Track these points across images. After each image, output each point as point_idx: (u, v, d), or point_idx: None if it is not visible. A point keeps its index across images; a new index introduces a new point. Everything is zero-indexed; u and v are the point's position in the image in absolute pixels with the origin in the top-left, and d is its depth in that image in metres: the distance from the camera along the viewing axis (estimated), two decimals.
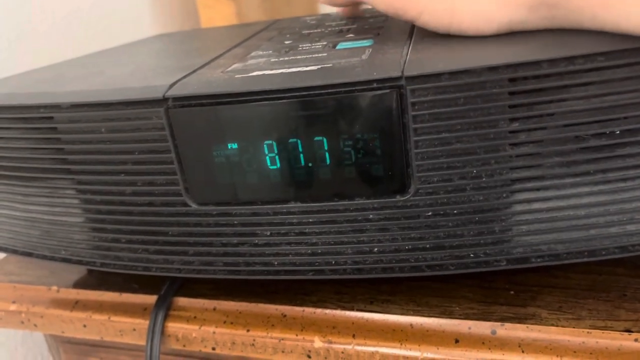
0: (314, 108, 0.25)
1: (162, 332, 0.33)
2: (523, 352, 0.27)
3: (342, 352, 0.29)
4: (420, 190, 0.25)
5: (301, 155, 0.26)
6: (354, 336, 0.29)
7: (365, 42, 0.30)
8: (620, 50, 0.22)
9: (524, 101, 0.24)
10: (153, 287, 0.35)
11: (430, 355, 0.28)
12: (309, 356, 0.30)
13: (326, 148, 0.26)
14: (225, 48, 0.35)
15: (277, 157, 0.26)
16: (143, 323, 0.34)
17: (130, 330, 0.34)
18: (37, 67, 0.41)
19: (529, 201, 0.25)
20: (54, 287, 0.37)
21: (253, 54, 0.32)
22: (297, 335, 0.30)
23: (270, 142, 0.26)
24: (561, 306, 0.28)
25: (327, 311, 0.31)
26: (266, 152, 0.26)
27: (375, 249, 0.27)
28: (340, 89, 0.24)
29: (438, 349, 0.28)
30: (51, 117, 0.29)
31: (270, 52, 0.31)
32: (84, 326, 0.36)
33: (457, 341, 0.28)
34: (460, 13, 0.26)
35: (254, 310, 0.32)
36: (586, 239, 0.26)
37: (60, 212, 0.32)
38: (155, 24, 0.75)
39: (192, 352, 0.36)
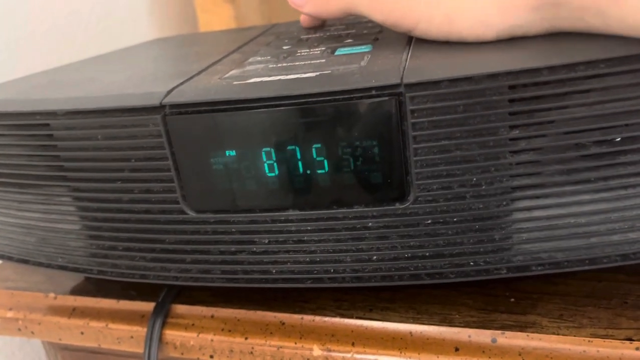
0: (312, 115, 0.25)
1: (160, 340, 0.33)
2: None
3: None
4: (419, 198, 0.25)
5: (299, 162, 0.26)
6: (353, 344, 0.29)
7: (364, 48, 0.29)
8: (622, 56, 0.22)
9: (524, 108, 0.23)
10: (151, 294, 0.35)
11: None
12: None
13: (325, 155, 0.25)
14: (223, 53, 0.35)
15: (275, 164, 0.26)
16: (141, 330, 0.34)
17: (128, 337, 0.34)
18: (35, 68, 0.41)
19: (529, 209, 0.25)
20: (51, 294, 0.37)
21: (251, 59, 0.31)
22: (295, 343, 0.30)
23: (268, 149, 0.26)
24: (562, 314, 0.28)
25: (326, 319, 0.31)
26: (264, 159, 0.26)
27: (375, 257, 0.27)
28: (339, 96, 0.24)
29: (438, 357, 0.28)
30: (47, 124, 0.29)
31: (268, 57, 0.31)
32: (82, 333, 0.35)
33: (457, 349, 0.28)
34: (459, 21, 0.26)
35: (253, 318, 0.32)
36: (587, 247, 0.25)
37: (57, 219, 0.31)
38: (154, 27, 0.74)
39: None
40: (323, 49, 0.31)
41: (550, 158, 0.24)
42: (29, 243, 0.33)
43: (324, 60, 0.28)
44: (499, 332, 0.28)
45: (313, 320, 0.31)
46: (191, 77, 0.29)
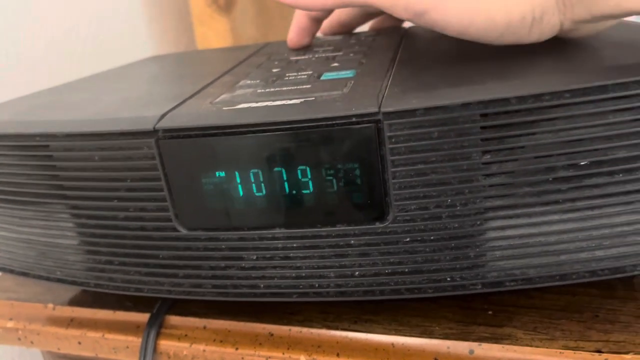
0: (297, 140, 0.26)
1: (155, 350, 0.34)
2: None
3: None
4: (398, 218, 0.27)
5: (285, 183, 0.27)
6: (338, 355, 0.31)
7: (348, 73, 0.31)
8: (584, 87, 0.24)
9: (495, 135, 0.25)
10: (146, 306, 0.36)
11: None
12: None
13: (309, 177, 0.27)
14: (215, 75, 0.36)
15: (262, 185, 0.28)
16: (136, 341, 0.35)
17: (124, 347, 0.35)
18: (35, 83, 0.42)
19: (502, 228, 0.27)
20: (50, 305, 0.39)
21: (241, 82, 0.33)
22: (283, 353, 0.32)
23: (256, 170, 0.27)
24: (536, 326, 0.29)
25: (313, 330, 0.32)
26: (252, 180, 0.28)
27: (357, 273, 0.28)
28: (322, 123, 0.26)
29: None
30: (47, 145, 0.30)
31: (258, 81, 0.32)
32: (79, 343, 0.37)
33: None
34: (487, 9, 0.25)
35: (243, 329, 0.33)
36: (557, 264, 0.27)
37: (56, 234, 0.33)
38: (152, 41, 0.76)
39: None
40: (310, 72, 0.33)
41: (521, 181, 0.26)
42: (29, 257, 0.35)
43: (309, 86, 0.29)
44: (476, 343, 0.29)
45: (300, 332, 0.32)
46: (184, 101, 0.30)
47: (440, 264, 0.27)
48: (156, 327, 0.34)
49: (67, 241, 0.33)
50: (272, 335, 0.33)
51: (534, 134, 0.25)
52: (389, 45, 0.38)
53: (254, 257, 0.29)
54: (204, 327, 0.34)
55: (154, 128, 0.27)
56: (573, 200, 0.26)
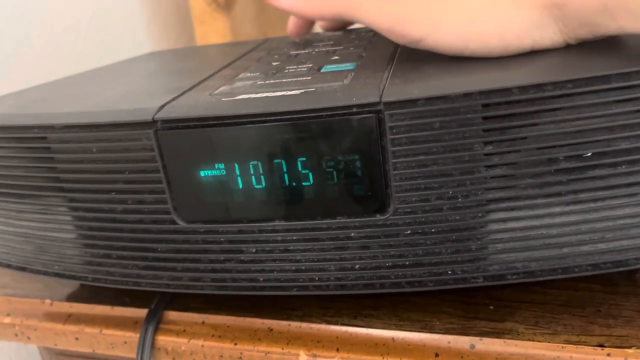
0: (297, 131, 0.26)
1: (153, 345, 0.34)
2: None
3: None
4: (399, 210, 0.26)
5: (285, 175, 0.27)
6: (337, 350, 0.30)
7: (349, 66, 0.31)
8: (586, 77, 0.23)
9: (497, 125, 0.25)
10: (144, 301, 0.36)
11: None
12: None
13: (309, 169, 0.27)
14: (214, 69, 0.36)
15: (262, 177, 0.27)
16: (134, 336, 0.35)
17: (122, 343, 0.35)
18: (35, 79, 0.42)
19: (503, 220, 0.26)
20: (48, 301, 0.38)
21: (241, 75, 0.33)
22: (282, 349, 0.31)
23: (255, 162, 0.27)
24: (538, 321, 0.29)
25: (312, 325, 0.32)
26: (252, 172, 0.27)
27: (357, 266, 0.28)
28: (322, 113, 0.25)
29: None
30: (45, 137, 0.30)
31: (258, 74, 0.32)
32: (76, 339, 0.36)
33: (437, 355, 0.29)
34: (481, 22, 0.25)
35: (242, 324, 0.33)
36: (559, 257, 0.27)
37: (53, 228, 0.33)
38: (151, 39, 0.76)
39: None
40: (310, 65, 0.32)
41: (523, 172, 0.25)
42: (26, 251, 0.34)
43: (309, 78, 0.29)
44: (477, 338, 0.29)
45: (300, 327, 0.32)
46: (183, 93, 0.30)
47: (441, 256, 0.27)
48: (154, 322, 0.34)
49: (64, 235, 0.33)
50: (271, 330, 0.32)
51: (536, 124, 0.24)
52: (390, 40, 0.37)
53: (254, 250, 0.29)
54: (203, 323, 0.34)
55: (152, 119, 0.27)
56: (576, 192, 0.25)
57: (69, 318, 0.37)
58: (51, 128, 0.29)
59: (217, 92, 0.29)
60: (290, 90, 0.27)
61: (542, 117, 0.24)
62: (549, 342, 0.28)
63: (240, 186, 0.28)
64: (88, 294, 0.38)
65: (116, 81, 0.38)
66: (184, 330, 0.34)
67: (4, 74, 0.57)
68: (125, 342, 0.35)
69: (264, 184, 0.27)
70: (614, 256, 0.26)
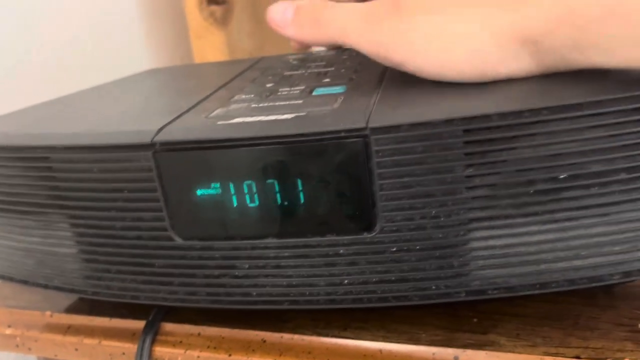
0: (289, 154, 0.27)
1: (150, 356, 0.35)
2: None
3: None
4: (385, 228, 0.28)
5: (278, 195, 0.28)
6: None
7: (339, 89, 0.32)
8: (562, 105, 0.25)
9: (477, 149, 0.26)
10: (142, 313, 0.37)
11: None
12: None
13: (300, 189, 0.28)
14: (210, 89, 0.37)
15: (256, 196, 0.29)
16: (132, 347, 0.36)
17: (120, 354, 0.36)
18: (34, 95, 0.43)
19: (484, 238, 0.28)
20: (48, 312, 0.39)
21: (236, 97, 0.34)
22: (275, 359, 0.32)
23: (249, 182, 0.29)
24: (519, 333, 0.31)
25: (304, 337, 0.33)
26: (246, 191, 0.29)
27: (346, 281, 0.29)
28: (312, 137, 0.27)
29: None
30: (47, 157, 0.31)
31: (252, 96, 0.34)
32: (76, 350, 0.38)
33: None
34: (457, 51, 0.27)
35: (236, 336, 0.34)
36: (537, 273, 0.28)
37: (55, 243, 0.34)
38: (150, 53, 0.77)
39: None
40: (302, 87, 0.34)
41: (502, 193, 0.27)
42: (28, 265, 0.36)
43: (301, 101, 0.31)
44: (461, 350, 0.30)
45: (292, 339, 0.33)
46: (180, 115, 0.31)
47: (425, 272, 0.28)
48: (152, 334, 0.35)
49: (65, 250, 0.34)
50: (264, 341, 0.34)
51: (514, 148, 0.26)
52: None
53: (247, 266, 0.30)
54: (199, 334, 0.35)
55: (151, 141, 0.29)
56: (552, 212, 0.27)
57: (69, 329, 0.38)
58: (53, 149, 0.31)
59: (212, 114, 0.31)
60: (283, 114, 0.29)
61: (520, 141, 0.26)
62: (528, 354, 0.29)
63: (235, 204, 0.29)
64: (87, 306, 0.39)
65: (116, 100, 0.39)
66: (181, 342, 0.35)
67: (4, 88, 0.58)
68: (124, 353, 0.36)
69: (257, 202, 0.29)
70: (589, 272, 0.28)
